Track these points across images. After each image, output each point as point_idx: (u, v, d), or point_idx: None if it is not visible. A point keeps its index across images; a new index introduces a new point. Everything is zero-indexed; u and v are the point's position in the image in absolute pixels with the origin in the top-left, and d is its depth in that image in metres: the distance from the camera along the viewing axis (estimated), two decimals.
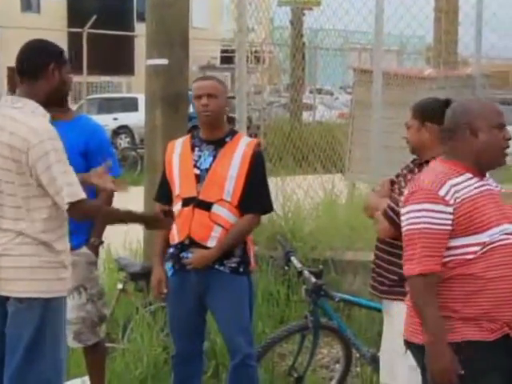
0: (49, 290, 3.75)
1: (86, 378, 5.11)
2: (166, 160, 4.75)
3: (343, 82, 17.34)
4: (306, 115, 15.28)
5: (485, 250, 3.29)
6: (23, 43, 3.87)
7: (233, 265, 4.59)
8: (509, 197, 3.52)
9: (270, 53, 14.58)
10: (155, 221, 4.16)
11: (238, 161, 4.57)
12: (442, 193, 3.29)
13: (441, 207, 3.27)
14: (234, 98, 7.42)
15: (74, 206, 3.67)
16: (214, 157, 4.59)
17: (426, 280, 3.29)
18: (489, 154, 3.39)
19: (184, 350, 4.72)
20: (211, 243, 4.54)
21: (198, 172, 4.59)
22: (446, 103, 4.24)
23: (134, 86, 27.68)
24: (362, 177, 9.16)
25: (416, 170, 4.24)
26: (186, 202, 4.56)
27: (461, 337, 3.31)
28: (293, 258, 5.12)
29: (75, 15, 27.23)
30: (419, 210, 3.30)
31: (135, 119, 18.95)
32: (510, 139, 3.42)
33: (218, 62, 30.30)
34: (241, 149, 4.60)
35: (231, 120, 7.64)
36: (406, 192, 3.49)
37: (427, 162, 4.20)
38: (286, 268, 5.23)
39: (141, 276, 5.85)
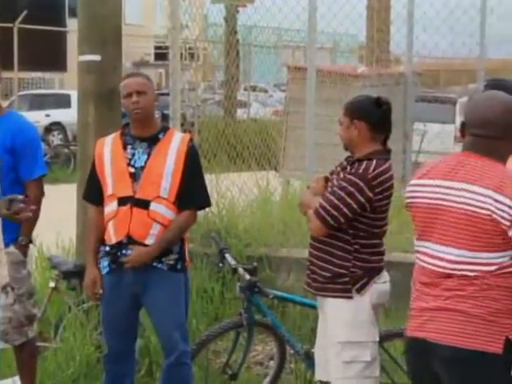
0: None
1: (17, 378, 5.05)
2: (95, 158, 4.70)
3: (277, 79, 17.38)
4: (240, 112, 15.29)
5: None
6: None
7: (171, 262, 4.58)
8: None
9: (205, 50, 14.54)
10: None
11: (173, 157, 4.55)
12: None
13: None
14: (168, 94, 7.39)
15: None
16: (149, 154, 4.56)
17: None
18: None
19: (116, 348, 4.68)
20: (149, 241, 4.51)
21: (132, 170, 4.55)
22: (377, 101, 4.29)
23: (67, 83, 27.40)
24: (296, 174, 9.21)
25: (349, 167, 4.27)
26: (123, 201, 4.53)
27: None
28: (227, 255, 5.12)
29: (5, 10, 26.79)
30: None
31: (68, 116, 18.75)
32: None
33: (152, 59, 30.15)
34: (175, 145, 4.59)
35: (165, 117, 7.61)
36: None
37: (359, 159, 4.24)
38: (221, 265, 5.22)
39: (73, 274, 5.80)
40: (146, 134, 4.60)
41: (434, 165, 3.41)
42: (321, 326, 4.45)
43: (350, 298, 4.22)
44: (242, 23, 11.64)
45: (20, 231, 4.77)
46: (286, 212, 7.58)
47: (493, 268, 3.20)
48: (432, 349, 3.27)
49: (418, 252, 3.40)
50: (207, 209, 6.05)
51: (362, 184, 4.12)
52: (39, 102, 21.10)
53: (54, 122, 20.40)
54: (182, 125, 7.75)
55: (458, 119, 14.48)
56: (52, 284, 5.86)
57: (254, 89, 20.77)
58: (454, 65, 16.11)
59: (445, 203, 3.27)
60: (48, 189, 5.00)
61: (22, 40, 18.96)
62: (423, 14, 9.87)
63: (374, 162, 4.17)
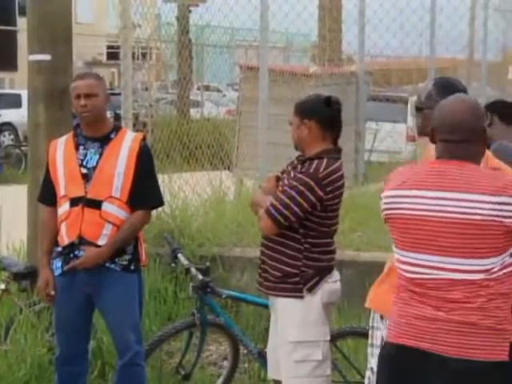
0: None
1: None
2: (49, 160, 4.67)
3: (230, 78, 17.38)
4: (193, 112, 15.25)
5: None
6: None
7: (124, 262, 4.56)
8: None
9: (158, 49, 14.48)
10: None
11: (125, 157, 4.53)
12: None
13: None
14: (120, 94, 7.34)
15: None
16: (101, 154, 4.55)
17: None
18: None
19: (69, 350, 4.65)
20: (102, 241, 4.49)
21: (85, 171, 4.53)
22: (327, 100, 4.30)
23: (17, 82, 27.10)
24: (249, 173, 9.21)
25: (299, 166, 4.28)
26: (75, 202, 4.51)
27: None
28: (180, 256, 5.11)
29: None
30: None
31: (19, 116, 18.57)
32: None
33: (104, 58, 29.95)
34: (127, 144, 4.57)
35: (118, 117, 7.56)
36: None
37: (310, 158, 4.25)
38: (173, 265, 5.22)
39: (24, 276, 5.75)
40: (97, 134, 4.58)
41: (408, 173, 3.34)
42: (273, 325, 4.46)
43: (301, 297, 4.23)
44: (194, 23, 11.62)
45: None
46: (240, 211, 7.59)
47: (496, 270, 3.17)
48: (436, 361, 3.20)
49: (404, 263, 3.29)
50: (160, 209, 6.03)
51: (312, 183, 4.13)
52: None
53: (4, 122, 20.21)
54: (134, 125, 7.71)
55: (410, 118, 14.59)
56: (2, 286, 5.79)
57: (207, 88, 20.75)
58: (406, 64, 16.22)
59: (440, 214, 3.19)
60: None
61: None
62: (373, 14, 9.95)
63: (325, 160, 4.18)
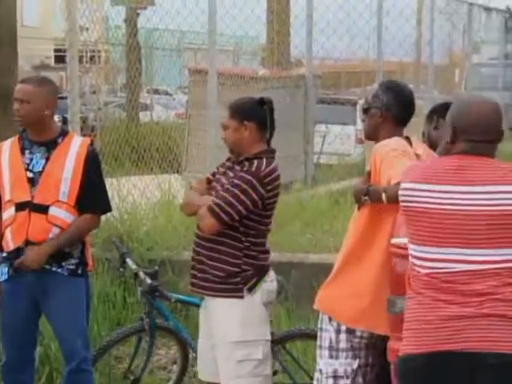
0: None
1: None
2: None
3: (180, 82, 17.34)
4: (142, 115, 15.17)
5: None
6: None
7: (71, 266, 4.53)
8: None
9: (106, 52, 14.40)
10: None
11: (73, 161, 4.51)
12: None
13: None
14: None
15: None
16: (47, 159, 4.51)
17: None
18: None
19: (15, 357, 4.60)
20: None
21: (31, 175, 4.49)
22: (261, 101, 4.36)
23: None
24: (198, 176, 9.14)
25: (237, 167, 4.33)
26: (20, 207, 4.46)
27: None
28: (128, 260, 5.09)
29: None
30: None
31: None
32: None
33: (52, 62, 29.70)
34: (74, 149, 4.54)
35: (67, 121, 7.50)
36: None
37: (248, 159, 4.29)
38: (122, 270, 5.19)
39: None
40: (43, 138, 4.55)
41: (428, 167, 3.35)
42: (203, 325, 4.46)
43: (241, 297, 4.27)
44: (142, 25, 11.57)
45: None
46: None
47: None
48: (474, 359, 3.15)
49: (422, 259, 3.25)
50: (109, 213, 5.99)
51: (254, 181, 4.21)
52: None
53: None
54: (82, 129, 7.66)
55: (359, 121, 14.68)
56: None
57: (156, 91, 20.67)
58: (354, 67, 16.36)
59: (466, 208, 3.20)
60: None
61: None
62: (321, 17, 10.01)
63: (264, 160, 4.27)
